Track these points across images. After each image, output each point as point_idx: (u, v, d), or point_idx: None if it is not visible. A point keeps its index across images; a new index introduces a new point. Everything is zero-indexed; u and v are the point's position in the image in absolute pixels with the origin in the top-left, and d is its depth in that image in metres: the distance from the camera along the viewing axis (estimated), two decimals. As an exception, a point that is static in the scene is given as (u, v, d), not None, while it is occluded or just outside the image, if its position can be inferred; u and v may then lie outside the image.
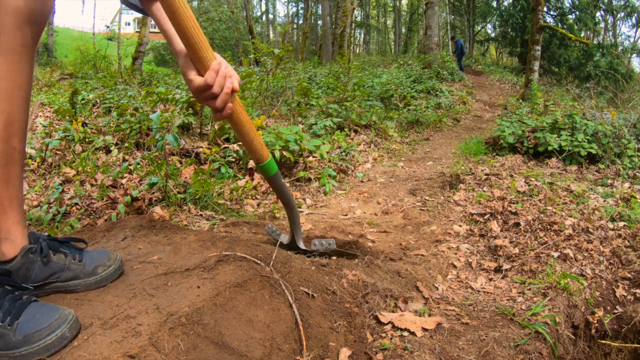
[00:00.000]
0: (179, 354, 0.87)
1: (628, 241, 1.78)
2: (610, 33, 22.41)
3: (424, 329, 1.18)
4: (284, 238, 1.49)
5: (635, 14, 19.02)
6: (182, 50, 1.00)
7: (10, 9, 0.88)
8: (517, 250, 1.79)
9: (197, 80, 0.96)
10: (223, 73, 0.98)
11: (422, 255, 1.80)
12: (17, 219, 0.98)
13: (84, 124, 3.24)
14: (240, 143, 2.81)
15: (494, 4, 22.00)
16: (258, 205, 2.30)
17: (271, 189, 2.53)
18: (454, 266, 1.75)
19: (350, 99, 5.17)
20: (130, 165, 2.25)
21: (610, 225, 1.91)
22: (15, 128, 0.94)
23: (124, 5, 1.16)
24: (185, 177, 2.20)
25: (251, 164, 2.66)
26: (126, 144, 2.80)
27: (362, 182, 3.16)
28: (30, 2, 0.90)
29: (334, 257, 1.47)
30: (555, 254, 1.72)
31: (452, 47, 14.52)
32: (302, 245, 1.43)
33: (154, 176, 2.09)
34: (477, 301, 1.46)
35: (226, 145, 2.86)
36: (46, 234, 1.20)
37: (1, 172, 0.94)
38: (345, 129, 4.50)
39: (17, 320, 0.86)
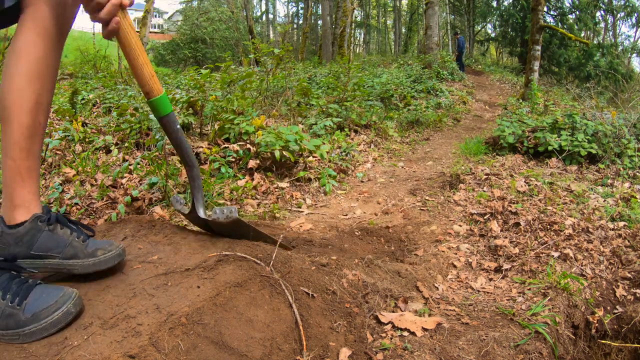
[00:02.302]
0: (179, 354, 0.87)
1: (628, 241, 1.78)
2: (610, 33, 22.41)
3: (424, 329, 1.19)
4: (185, 209, 1.37)
5: (635, 14, 19.02)
6: None
7: (52, 3, 0.98)
8: (517, 250, 1.79)
9: None
10: None
11: (422, 255, 1.80)
12: (32, 189, 1.05)
13: (84, 124, 3.24)
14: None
15: (494, 4, 22.01)
16: (258, 205, 2.30)
17: (277, 195, 2.53)
18: (454, 266, 1.75)
19: (350, 99, 5.17)
20: (130, 165, 2.25)
21: (610, 225, 1.91)
22: (43, 106, 1.04)
23: None
24: (185, 177, 2.20)
25: (251, 164, 2.66)
26: (126, 144, 2.80)
27: (362, 182, 3.16)
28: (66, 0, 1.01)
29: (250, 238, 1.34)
30: (555, 254, 1.72)
31: (453, 45, 14.52)
32: (202, 214, 1.30)
33: (154, 176, 2.09)
34: (477, 301, 1.46)
35: (226, 145, 2.86)
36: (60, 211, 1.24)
37: (25, 143, 1.02)
38: (345, 129, 4.50)
39: (25, 301, 0.92)
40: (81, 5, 1.06)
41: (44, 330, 0.90)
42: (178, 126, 1.14)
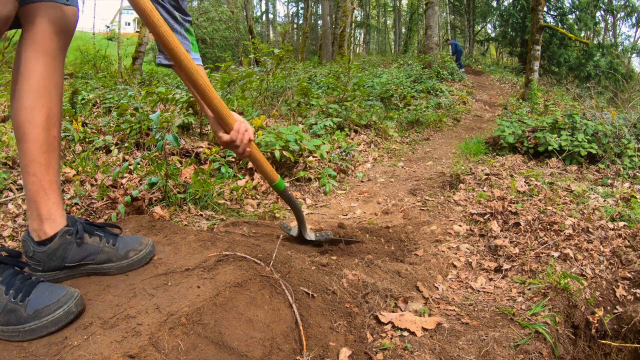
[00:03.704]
0: (179, 354, 0.87)
1: (628, 241, 1.78)
2: (610, 33, 22.42)
3: (424, 329, 1.19)
4: (294, 232, 1.77)
5: (635, 14, 19.00)
6: (211, 116, 1.28)
7: (48, 19, 1.03)
8: (517, 250, 1.79)
9: (225, 137, 1.27)
10: (243, 130, 1.27)
11: (422, 255, 1.80)
12: (56, 200, 1.10)
13: (84, 124, 3.24)
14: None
15: (494, 3, 21.99)
16: (258, 205, 2.30)
17: (277, 195, 2.54)
18: (454, 266, 1.75)
19: (350, 99, 5.17)
20: (130, 165, 2.25)
21: (610, 225, 1.91)
22: (54, 120, 1.08)
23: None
24: (185, 177, 2.20)
25: (251, 164, 2.66)
26: (126, 144, 2.80)
27: (362, 182, 3.16)
28: (63, 14, 1.06)
29: (340, 244, 1.76)
30: (555, 254, 1.72)
31: (448, 49, 14.48)
32: (308, 237, 1.71)
33: (154, 176, 2.09)
34: (477, 301, 1.46)
35: (226, 145, 2.85)
36: (84, 218, 1.26)
37: (44, 158, 1.06)
38: (345, 129, 4.50)
39: (28, 297, 0.94)
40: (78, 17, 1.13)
41: (45, 328, 0.91)
42: (290, 193, 1.58)
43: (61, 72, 1.10)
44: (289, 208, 2.40)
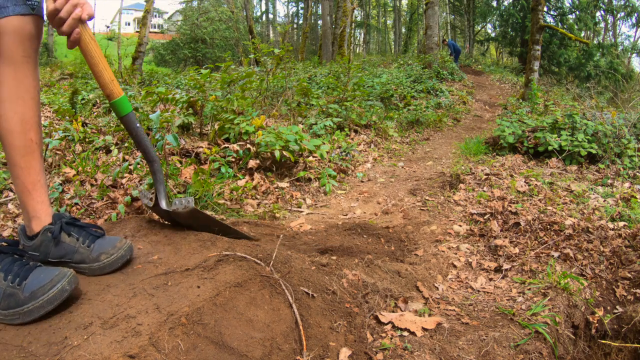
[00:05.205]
0: (179, 354, 0.87)
1: (628, 241, 1.78)
2: (610, 33, 22.40)
3: (424, 329, 1.19)
4: (150, 203, 1.43)
5: (635, 14, 18.99)
6: None
7: (9, 30, 1.06)
8: (517, 250, 1.79)
9: (50, 5, 1.07)
10: (73, 2, 1.07)
11: (422, 255, 1.80)
12: (41, 199, 1.16)
13: (84, 124, 3.24)
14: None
15: (494, 3, 21.98)
16: (258, 205, 2.30)
17: (277, 196, 2.53)
18: (454, 266, 1.75)
19: (350, 99, 5.17)
20: (130, 165, 2.25)
21: (610, 225, 1.91)
22: (30, 123, 1.12)
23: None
24: (185, 177, 2.20)
25: (251, 163, 2.66)
26: (126, 144, 2.80)
27: (362, 182, 3.16)
28: (25, 24, 1.08)
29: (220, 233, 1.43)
30: (555, 254, 1.72)
31: (445, 50, 14.49)
32: (164, 206, 1.37)
33: (154, 176, 2.09)
34: (477, 301, 1.46)
35: (226, 145, 2.85)
36: (69, 214, 1.28)
37: (23, 161, 1.12)
38: (346, 129, 4.50)
39: (25, 281, 0.99)
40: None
41: (41, 308, 0.95)
42: (138, 125, 1.24)
43: (34, 76, 1.13)
44: (289, 208, 2.41)
